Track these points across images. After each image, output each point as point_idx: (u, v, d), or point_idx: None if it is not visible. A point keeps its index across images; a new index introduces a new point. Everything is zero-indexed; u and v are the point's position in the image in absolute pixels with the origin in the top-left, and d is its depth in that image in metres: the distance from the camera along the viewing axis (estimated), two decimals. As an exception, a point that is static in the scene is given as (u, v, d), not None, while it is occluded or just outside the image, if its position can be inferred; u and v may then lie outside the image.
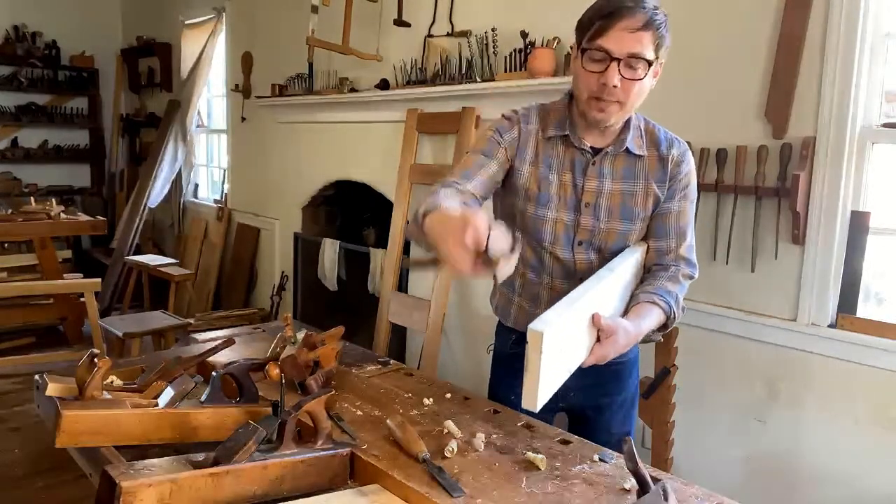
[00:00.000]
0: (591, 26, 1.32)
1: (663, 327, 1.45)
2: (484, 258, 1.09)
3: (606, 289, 1.36)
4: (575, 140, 1.46)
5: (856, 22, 2.03)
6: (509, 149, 1.48)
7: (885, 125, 2.07)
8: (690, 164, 1.51)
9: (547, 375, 1.13)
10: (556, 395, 1.61)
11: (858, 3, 2.02)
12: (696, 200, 1.55)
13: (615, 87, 1.32)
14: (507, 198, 1.55)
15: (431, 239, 1.22)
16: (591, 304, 1.27)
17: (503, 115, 1.53)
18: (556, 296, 1.50)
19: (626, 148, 1.46)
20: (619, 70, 1.31)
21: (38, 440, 1.31)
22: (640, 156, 1.48)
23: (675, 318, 1.44)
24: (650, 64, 1.33)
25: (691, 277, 1.52)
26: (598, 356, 1.27)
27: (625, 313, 1.44)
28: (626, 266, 1.45)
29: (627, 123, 1.46)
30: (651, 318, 1.39)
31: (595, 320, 1.25)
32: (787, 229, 2.21)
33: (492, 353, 1.78)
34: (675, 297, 1.44)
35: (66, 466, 1.22)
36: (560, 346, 1.16)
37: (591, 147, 1.46)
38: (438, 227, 1.17)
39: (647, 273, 1.53)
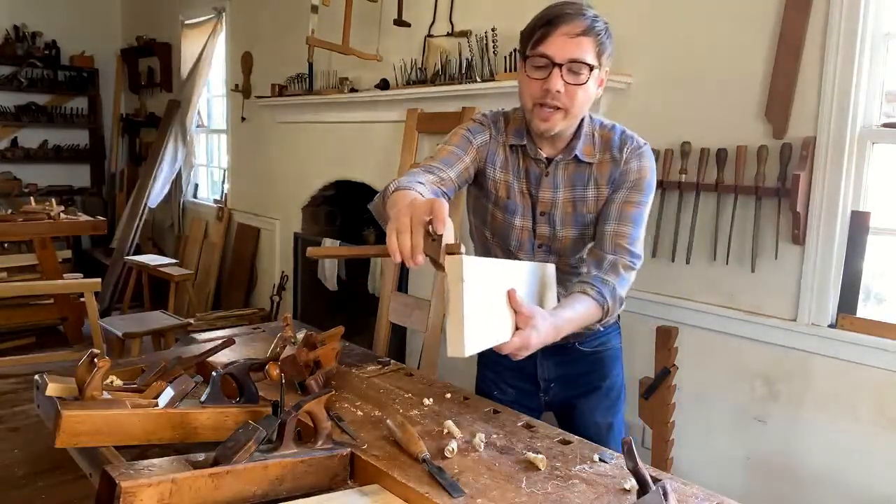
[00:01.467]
0: (533, 34, 1.35)
1: (599, 320, 1.39)
2: (430, 245, 1.05)
3: (522, 275, 1.31)
4: (531, 150, 1.47)
5: (856, 22, 2.03)
6: (480, 150, 1.50)
7: (885, 125, 2.07)
8: (644, 161, 1.46)
9: (473, 316, 1.05)
10: (538, 389, 1.64)
11: (858, 3, 2.02)
12: (648, 197, 1.47)
13: (558, 91, 1.33)
14: (479, 198, 1.58)
15: (391, 213, 1.16)
16: (510, 279, 1.21)
17: (473, 119, 1.55)
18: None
19: (575, 155, 1.46)
20: (561, 75, 1.33)
21: (38, 440, 1.31)
22: (589, 163, 1.47)
23: (609, 310, 1.37)
24: (592, 69, 1.34)
25: (632, 268, 1.43)
26: (520, 341, 1.18)
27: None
28: (536, 272, 1.40)
29: (578, 130, 1.46)
30: (578, 308, 1.32)
31: (510, 297, 1.18)
32: (787, 229, 2.21)
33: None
34: (610, 287, 1.37)
35: (66, 466, 1.21)
36: (484, 290, 1.09)
37: (545, 157, 1.47)
38: (402, 203, 1.13)
39: (586, 262, 1.49)
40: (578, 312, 1.32)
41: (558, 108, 1.36)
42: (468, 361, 1.75)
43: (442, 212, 1.03)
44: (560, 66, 1.33)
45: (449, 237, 1.04)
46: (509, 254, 1.56)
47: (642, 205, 1.46)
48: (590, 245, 1.54)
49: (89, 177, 7.14)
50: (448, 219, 1.04)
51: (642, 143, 1.49)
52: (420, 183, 1.34)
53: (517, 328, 1.19)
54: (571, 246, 1.53)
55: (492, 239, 1.59)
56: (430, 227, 1.05)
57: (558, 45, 1.32)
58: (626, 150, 1.46)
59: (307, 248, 1.24)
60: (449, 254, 1.03)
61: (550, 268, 1.48)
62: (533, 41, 1.35)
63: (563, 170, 1.48)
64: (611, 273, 1.39)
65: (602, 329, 1.63)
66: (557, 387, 1.64)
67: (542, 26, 1.34)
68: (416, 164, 3.43)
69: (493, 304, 1.14)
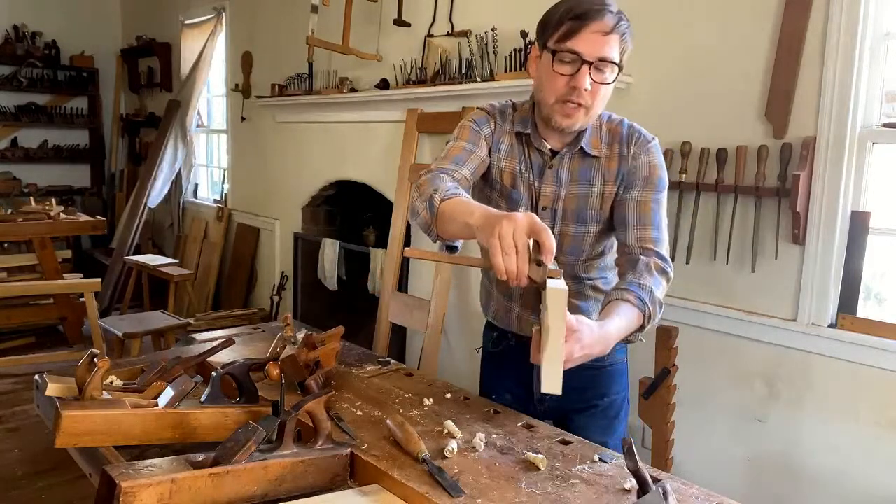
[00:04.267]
0: (560, 27, 1.32)
1: (641, 327, 1.33)
2: (534, 269, 1.07)
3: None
4: (535, 140, 1.46)
5: (856, 22, 2.03)
6: (488, 139, 1.49)
7: (885, 125, 2.07)
8: (653, 156, 1.44)
9: (563, 351, 1.05)
10: (532, 397, 1.57)
11: (858, 3, 2.02)
12: (662, 194, 1.44)
13: (586, 90, 1.32)
14: (483, 189, 1.56)
15: (481, 224, 1.16)
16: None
17: (479, 108, 1.54)
18: (528, 290, 1.48)
19: (581, 148, 1.44)
20: (589, 73, 1.31)
21: (37, 440, 1.31)
22: (596, 156, 1.45)
23: (651, 315, 1.31)
24: (619, 69, 1.34)
25: (665, 272, 1.37)
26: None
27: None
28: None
29: None
30: (623, 315, 1.26)
31: None
32: (787, 229, 2.21)
33: (480, 353, 1.79)
34: (648, 291, 1.31)
35: (66, 466, 1.21)
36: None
37: (550, 149, 1.45)
38: (487, 213, 1.16)
39: (619, 270, 1.46)
40: (623, 320, 1.26)
41: (580, 105, 1.35)
42: (469, 362, 1.76)
43: (549, 241, 1.07)
44: (589, 63, 1.31)
45: (552, 262, 1.08)
46: None
47: (658, 203, 1.43)
48: (599, 248, 1.51)
49: (89, 177, 7.14)
50: (552, 239, 1.08)
51: (650, 137, 1.46)
52: (456, 188, 1.34)
53: None
54: (570, 243, 1.49)
55: None
56: (534, 254, 1.08)
57: (589, 43, 1.30)
58: (633, 144, 1.44)
59: (405, 249, 1.25)
60: (550, 278, 1.06)
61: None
62: (560, 35, 1.33)
63: (568, 163, 1.46)
64: (646, 276, 1.34)
65: None
66: (552, 399, 1.54)
67: (571, 20, 1.31)
68: (418, 164, 3.43)
69: None
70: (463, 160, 1.44)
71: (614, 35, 1.31)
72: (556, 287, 1.03)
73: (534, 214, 1.11)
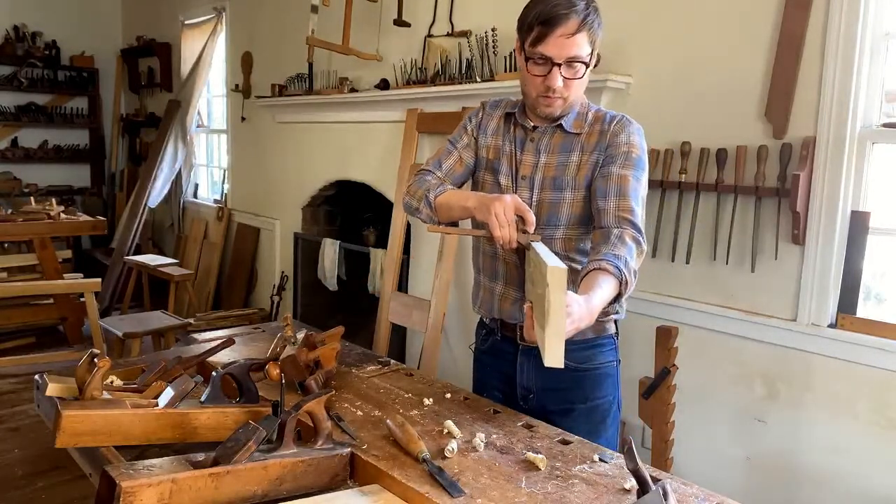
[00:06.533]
0: (531, 31, 1.43)
1: (618, 296, 1.33)
2: (520, 235, 1.33)
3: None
4: (520, 118, 1.57)
5: (856, 22, 2.03)
6: (475, 129, 1.64)
7: (885, 125, 2.07)
8: (633, 137, 1.49)
9: (564, 326, 1.10)
10: (517, 395, 1.60)
11: (858, 3, 2.02)
12: (642, 174, 1.48)
13: (559, 86, 1.45)
14: (475, 169, 1.66)
15: (477, 207, 1.40)
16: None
17: (481, 102, 1.68)
18: (510, 269, 1.55)
19: (560, 124, 1.53)
20: (560, 72, 1.43)
21: (38, 440, 1.31)
22: (577, 133, 1.53)
23: (626, 282, 1.32)
24: (587, 65, 1.45)
25: (638, 241, 1.39)
26: None
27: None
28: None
29: (571, 107, 1.54)
30: (602, 288, 1.27)
31: None
32: (787, 229, 2.21)
33: (473, 354, 1.79)
34: (623, 260, 1.32)
35: (66, 466, 1.22)
36: None
37: (533, 126, 1.56)
38: (479, 198, 1.41)
39: (592, 244, 1.47)
40: (604, 290, 1.27)
41: (559, 98, 1.47)
42: (469, 362, 1.75)
43: (531, 216, 1.35)
44: (559, 65, 1.42)
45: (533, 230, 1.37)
46: None
47: (638, 180, 1.46)
48: (576, 224, 1.54)
49: (89, 177, 7.14)
50: (532, 215, 1.36)
51: (633, 121, 1.52)
52: (442, 183, 1.57)
53: None
54: (548, 210, 1.52)
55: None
56: (520, 225, 1.36)
57: (557, 47, 1.40)
58: (615, 123, 1.51)
59: (427, 227, 1.54)
60: (532, 241, 1.32)
61: None
62: (531, 40, 1.43)
63: (549, 137, 1.54)
64: (620, 246, 1.36)
65: (595, 338, 1.56)
66: (535, 398, 1.57)
67: (539, 25, 1.40)
68: (418, 164, 3.43)
69: None
70: (442, 162, 1.63)
71: (581, 34, 1.40)
72: (557, 266, 1.09)
73: (517, 196, 1.37)
